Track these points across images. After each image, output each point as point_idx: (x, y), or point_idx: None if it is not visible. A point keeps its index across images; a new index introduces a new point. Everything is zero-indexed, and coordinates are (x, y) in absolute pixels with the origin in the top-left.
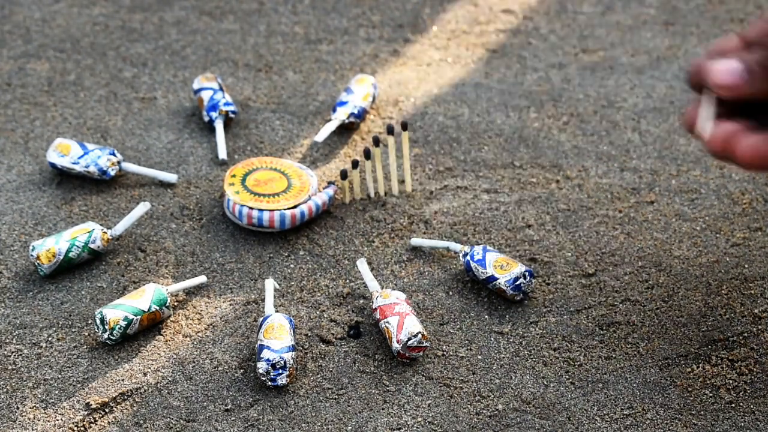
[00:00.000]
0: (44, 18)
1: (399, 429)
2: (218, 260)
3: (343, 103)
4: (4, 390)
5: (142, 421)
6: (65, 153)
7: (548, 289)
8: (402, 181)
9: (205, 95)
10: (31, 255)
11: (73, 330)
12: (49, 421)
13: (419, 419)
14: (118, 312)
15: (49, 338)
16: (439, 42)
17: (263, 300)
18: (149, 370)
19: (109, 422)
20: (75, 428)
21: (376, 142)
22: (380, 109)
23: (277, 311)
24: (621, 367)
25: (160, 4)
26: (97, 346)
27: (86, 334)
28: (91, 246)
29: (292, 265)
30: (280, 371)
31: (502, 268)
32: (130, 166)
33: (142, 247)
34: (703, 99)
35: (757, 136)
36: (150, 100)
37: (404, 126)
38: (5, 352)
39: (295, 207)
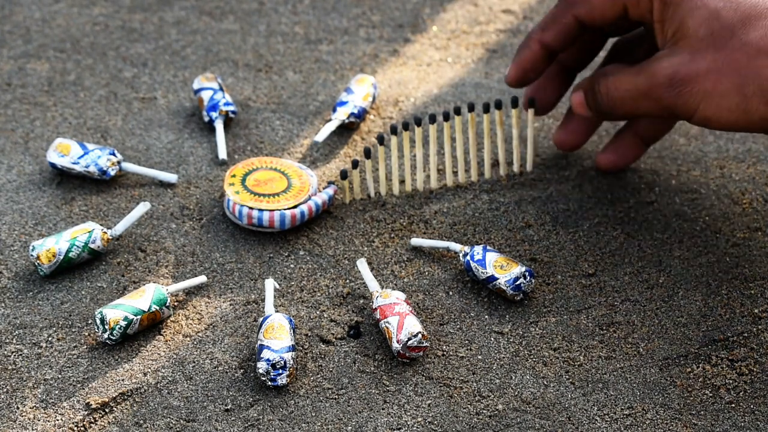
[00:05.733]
0: (44, 18)
1: (399, 429)
2: (218, 260)
3: (343, 103)
4: (4, 390)
5: (142, 421)
6: (65, 153)
7: (548, 289)
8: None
9: (205, 95)
10: (31, 255)
11: (73, 330)
12: (49, 421)
13: (419, 419)
14: (118, 312)
15: (49, 338)
16: (439, 42)
17: (263, 300)
18: (149, 370)
19: (109, 422)
20: (75, 428)
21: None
22: (380, 109)
23: (277, 311)
24: (621, 367)
25: (160, 4)
26: (97, 346)
27: (86, 334)
28: (91, 246)
29: (292, 265)
30: (280, 371)
31: (502, 268)
32: (130, 166)
33: (142, 247)
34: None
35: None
36: (150, 100)
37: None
38: (5, 352)
39: (295, 207)
